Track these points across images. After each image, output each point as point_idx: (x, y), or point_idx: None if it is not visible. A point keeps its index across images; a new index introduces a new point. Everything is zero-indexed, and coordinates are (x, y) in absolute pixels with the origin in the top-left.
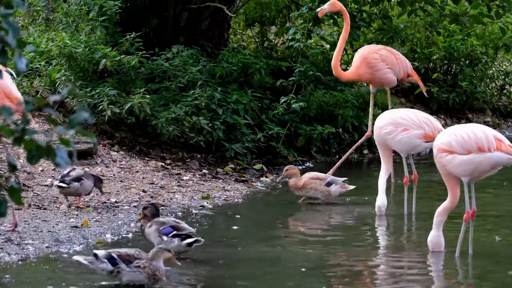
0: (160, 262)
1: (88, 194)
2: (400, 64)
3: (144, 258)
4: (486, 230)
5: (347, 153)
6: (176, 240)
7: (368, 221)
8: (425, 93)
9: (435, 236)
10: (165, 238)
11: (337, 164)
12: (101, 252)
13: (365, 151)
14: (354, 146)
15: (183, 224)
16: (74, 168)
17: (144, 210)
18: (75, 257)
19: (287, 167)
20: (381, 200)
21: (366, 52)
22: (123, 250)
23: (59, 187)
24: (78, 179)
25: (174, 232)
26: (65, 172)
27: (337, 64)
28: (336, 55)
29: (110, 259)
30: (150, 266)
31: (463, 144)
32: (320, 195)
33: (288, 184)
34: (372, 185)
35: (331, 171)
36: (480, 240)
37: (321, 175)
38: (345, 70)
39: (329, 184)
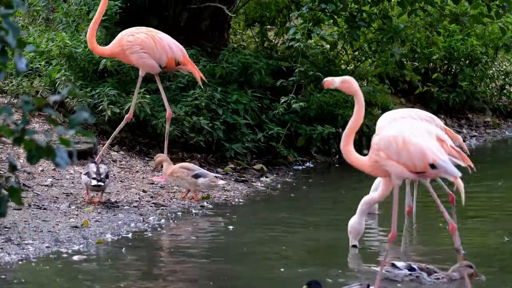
0: (459, 275)
1: None
2: (161, 50)
3: (441, 272)
4: (491, 229)
5: (112, 135)
6: None
7: (367, 221)
8: (200, 83)
9: (356, 222)
10: None
11: (103, 148)
12: (400, 263)
13: (365, 151)
14: (117, 129)
15: None
16: (99, 165)
17: None
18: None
19: (156, 155)
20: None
21: (124, 33)
22: (422, 264)
23: (98, 186)
24: (107, 175)
25: None
26: (94, 169)
27: (92, 38)
28: (91, 28)
29: (410, 269)
30: (448, 277)
31: None
32: (187, 185)
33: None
34: (370, 187)
35: (98, 157)
36: (485, 240)
37: (192, 166)
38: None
39: (197, 176)
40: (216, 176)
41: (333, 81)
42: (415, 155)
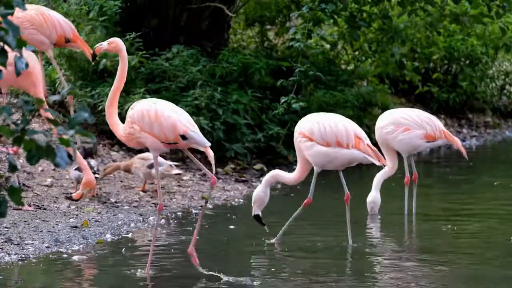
0: None
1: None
2: (51, 27)
3: None
4: (493, 230)
5: None
6: None
7: (368, 221)
8: (91, 60)
9: (261, 191)
10: None
11: None
12: None
13: None
14: None
15: None
16: (89, 160)
17: None
18: None
19: (104, 167)
20: (372, 197)
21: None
22: None
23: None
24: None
25: None
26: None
27: None
28: None
29: None
30: None
31: (324, 135)
32: (142, 175)
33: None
34: (370, 187)
35: None
36: (492, 241)
37: (148, 156)
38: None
39: (151, 166)
40: (171, 165)
41: (101, 45)
42: (166, 127)
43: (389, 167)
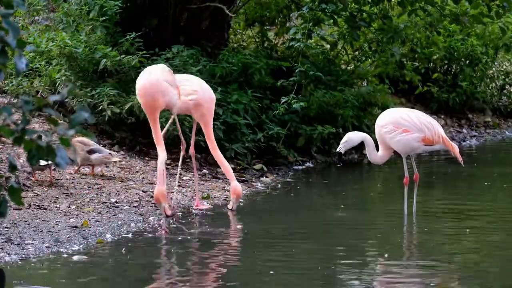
0: None
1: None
2: None
3: None
4: (496, 229)
5: None
6: None
7: (367, 221)
8: None
9: None
10: None
11: None
12: None
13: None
14: None
15: None
16: None
17: None
18: None
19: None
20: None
21: None
22: None
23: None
24: None
25: None
26: None
27: None
28: None
29: None
30: None
31: None
32: (79, 160)
33: None
34: (370, 187)
35: None
36: (492, 241)
37: (88, 141)
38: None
39: (91, 151)
40: (110, 153)
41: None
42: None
43: (379, 155)
